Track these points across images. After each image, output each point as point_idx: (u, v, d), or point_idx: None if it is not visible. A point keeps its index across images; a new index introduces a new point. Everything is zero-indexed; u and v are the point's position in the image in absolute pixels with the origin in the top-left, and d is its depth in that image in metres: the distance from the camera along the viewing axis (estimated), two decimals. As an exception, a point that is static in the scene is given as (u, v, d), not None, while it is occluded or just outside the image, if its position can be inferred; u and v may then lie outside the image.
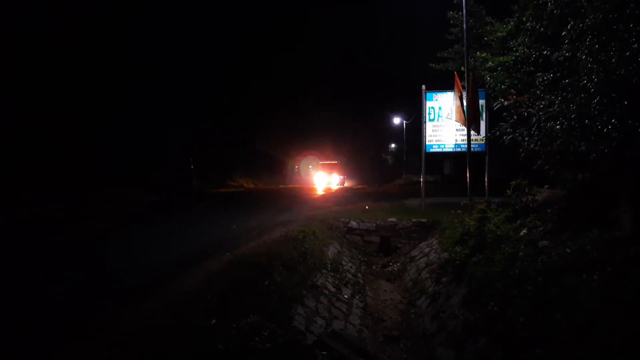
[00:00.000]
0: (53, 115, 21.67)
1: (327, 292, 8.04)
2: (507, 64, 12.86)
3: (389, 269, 11.73)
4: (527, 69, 11.95)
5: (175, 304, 4.78)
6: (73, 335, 4.12)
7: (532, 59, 11.70)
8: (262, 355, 3.30)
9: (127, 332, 3.99)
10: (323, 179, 48.32)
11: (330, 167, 50.67)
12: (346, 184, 48.92)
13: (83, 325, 4.27)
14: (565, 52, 9.03)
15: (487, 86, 13.98)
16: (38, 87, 21.29)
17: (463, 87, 12.90)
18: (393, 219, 13.74)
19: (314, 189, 34.67)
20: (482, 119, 14.22)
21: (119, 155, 24.55)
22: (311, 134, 60.56)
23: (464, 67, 13.06)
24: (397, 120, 51.48)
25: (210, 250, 7.98)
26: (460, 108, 12.69)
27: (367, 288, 9.83)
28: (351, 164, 60.42)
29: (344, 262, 10.60)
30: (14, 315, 4.41)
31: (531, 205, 9.02)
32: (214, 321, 4.00)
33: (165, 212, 16.82)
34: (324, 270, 9.01)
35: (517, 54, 12.38)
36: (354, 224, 13.84)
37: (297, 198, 24.23)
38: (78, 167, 21.37)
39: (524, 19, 10.16)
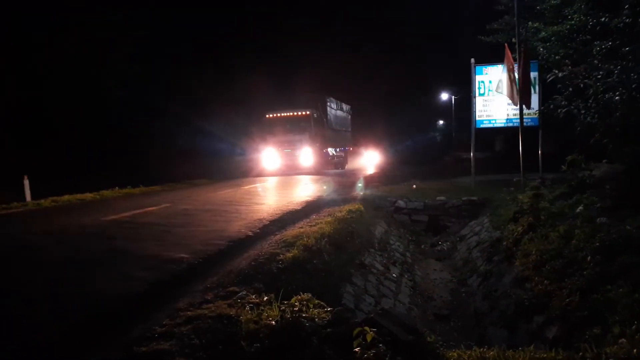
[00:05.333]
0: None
1: (375, 271, 8.07)
2: (561, 33, 12.25)
3: (438, 248, 11.62)
4: (583, 37, 11.34)
5: (227, 283, 4.94)
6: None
7: (589, 27, 11.08)
8: (312, 331, 3.37)
9: (182, 308, 4.17)
10: (273, 158, 22.97)
11: (295, 129, 22.78)
12: (351, 166, 28.36)
13: (152, 303, 4.49)
14: (626, 18, 8.50)
15: (539, 57, 13.42)
16: None
17: (514, 59, 12.44)
18: (442, 198, 13.54)
19: None
20: (535, 92, 13.68)
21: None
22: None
23: (515, 39, 12.55)
24: (445, 96, 48.99)
25: (259, 231, 8.13)
26: (510, 81, 12.27)
27: (416, 267, 9.79)
28: (374, 125, 38.25)
29: (391, 242, 10.59)
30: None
31: (588, 181, 8.65)
32: (265, 298, 4.13)
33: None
34: (371, 250, 9.03)
35: (573, 22, 11.76)
36: (401, 203, 13.74)
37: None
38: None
39: (579, -16, 9.63)
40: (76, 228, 8.46)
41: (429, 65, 52.68)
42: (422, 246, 11.81)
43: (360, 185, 17.51)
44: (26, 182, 14.07)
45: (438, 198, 13.58)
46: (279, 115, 23.28)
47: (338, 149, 27.18)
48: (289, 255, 6.04)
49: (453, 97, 45.83)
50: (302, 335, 3.33)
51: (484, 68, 14.99)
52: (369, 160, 31.11)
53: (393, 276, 8.39)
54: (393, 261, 9.21)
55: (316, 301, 4.13)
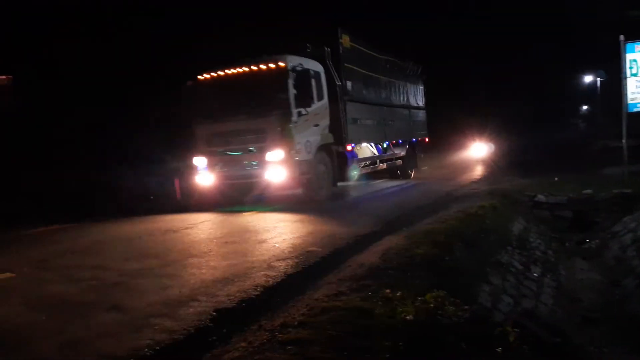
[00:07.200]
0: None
1: (513, 269, 7.64)
2: None
3: (585, 246, 10.64)
4: None
5: (359, 276, 5.04)
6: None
7: None
8: (449, 329, 3.31)
9: (319, 299, 4.35)
10: (205, 171, 10.51)
11: (251, 104, 9.92)
12: None
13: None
14: None
15: None
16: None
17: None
18: (588, 191, 12.37)
19: None
20: None
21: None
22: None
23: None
24: (588, 78, 44.06)
25: (386, 226, 8.15)
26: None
27: (559, 266, 9.10)
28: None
29: (531, 239, 9.94)
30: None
31: None
32: (399, 293, 4.14)
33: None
34: (508, 247, 8.55)
35: None
36: (541, 197, 12.81)
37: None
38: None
39: None
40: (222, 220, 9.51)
41: (569, 42, 45.87)
42: (567, 244, 10.90)
43: None
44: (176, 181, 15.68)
45: (584, 191, 12.42)
46: (216, 74, 10.50)
47: (387, 143, 14.49)
48: (419, 251, 5.98)
49: (599, 79, 41.17)
50: (438, 332, 3.28)
51: (636, 45, 13.32)
52: (478, 154, 23.07)
53: (534, 276, 7.87)
54: (533, 260, 8.63)
55: (451, 299, 4.03)
